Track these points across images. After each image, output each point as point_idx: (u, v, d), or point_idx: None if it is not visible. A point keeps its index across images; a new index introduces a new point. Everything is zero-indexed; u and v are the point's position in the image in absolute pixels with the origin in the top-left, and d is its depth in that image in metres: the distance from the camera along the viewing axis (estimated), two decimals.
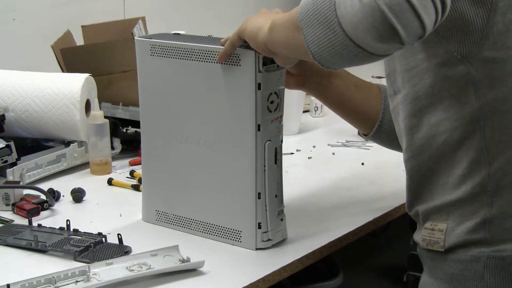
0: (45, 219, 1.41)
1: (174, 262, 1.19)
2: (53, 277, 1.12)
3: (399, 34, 0.90)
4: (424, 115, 1.09)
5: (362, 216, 1.42)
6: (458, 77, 1.03)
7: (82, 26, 2.06)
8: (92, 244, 1.24)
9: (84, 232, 1.31)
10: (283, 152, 1.28)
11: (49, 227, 1.34)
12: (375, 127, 1.39)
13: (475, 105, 1.04)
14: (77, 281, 1.13)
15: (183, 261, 1.19)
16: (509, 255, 1.04)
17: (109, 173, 1.67)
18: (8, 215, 1.43)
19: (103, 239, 1.28)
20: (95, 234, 1.29)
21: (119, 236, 1.27)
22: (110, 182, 1.61)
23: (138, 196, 1.54)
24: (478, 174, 1.05)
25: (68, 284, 1.13)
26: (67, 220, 1.33)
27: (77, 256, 1.22)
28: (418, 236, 1.15)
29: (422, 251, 1.15)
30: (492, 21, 1.00)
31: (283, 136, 1.28)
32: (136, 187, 1.57)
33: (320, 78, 1.36)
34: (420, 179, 1.14)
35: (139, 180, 1.60)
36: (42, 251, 1.25)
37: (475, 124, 1.04)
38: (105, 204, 1.50)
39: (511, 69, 1.02)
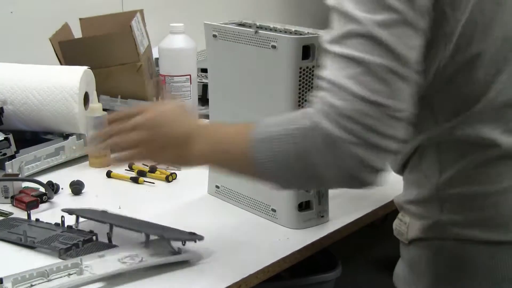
0: (44, 212, 1.41)
1: (166, 253, 1.19)
2: (46, 270, 1.12)
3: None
4: None
5: (361, 207, 1.43)
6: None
7: (80, 19, 2.06)
8: (80, 242, 1.23)
9: (77, 229, 1.30)
10: None
11: (46, 222, 1.33)
12: None
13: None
14: (69, 274, 1.13)
15: (175, 252, 1.19)
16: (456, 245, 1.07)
17: (107, 166, 1.67)
18: (7, 207, 1.43)
19: (94, 237, 1.26)
20: (87, 231, 1.28)
21: (109, 235, 1.26)
22: (109, 174, 1.61)
23: (137, 188, 1.55)
24: (432, 180, 1.07)
25: (61, 277, 1.12)
26: (62, 216, 1.33)
27: (62, 253, 1.20)
28: (394, 224, 1.18)
29: None
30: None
31: None
32: (135, 180, 1.57)
33: None
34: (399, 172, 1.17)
35: (138, 173, 1.60)
36: (31, 246, 1.25)
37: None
38: (104, 197, 1.50)
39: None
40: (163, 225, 1.28)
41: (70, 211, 1.33)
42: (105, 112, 1.67)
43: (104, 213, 1.34)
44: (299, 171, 0.95)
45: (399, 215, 1.16)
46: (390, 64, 0.90)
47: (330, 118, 0.90)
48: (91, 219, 1.30)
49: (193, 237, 1.21)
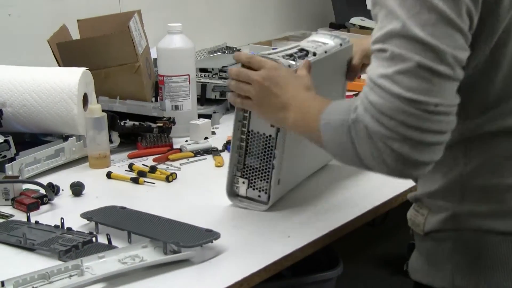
0: (45, 213, 1.41)
1: (167, 252, 1.19)
2: (47, 272, 1.12)
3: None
4: None
5: (361, 205, 1.42)
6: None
7: (78, 20, 2.06)
8: (79, 244, 1.23)
9: (76, 231, 1.30)
10: None
11: (46, 225, 1.33)
12: None
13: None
14: (70, 276, 1.13)
15: (175, 251, 1.19)
16: (475, 236, 1.09)
17: (107, 167, 1.67)
18: (8, 210, 1.42)
19: (93, 238, 1.26)
20: (86, 233, 1.28)
21: (108, 236, 1.26)
22: (109, 175, 1.61)
23: (137, 188, 1.55)
24: (456, 171, 1.09)
25: (62, 278, 1.13)
26: (61, 218, 1.33)
27: (61, 255, 1.20)
28: (409, 214, 1.19)
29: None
30: None
31: None
32: (135, 180, 1.57)
33: None
34: None
35: (138, 173, 1.60)
36: (30, 249, 1.25)
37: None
38: (104, 198, 1.50)
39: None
40: (180, 222, 1.28)
41: (88, 218, 1.33)
42: (104, 113, 1.67)
43: (123, 210, 1.35)
44: (349, 157, 1.03)
45: (415, 206, 1.17)
46: (427, 62, 0.94)
47: (370, 113, 0.98)
48: (109, 225, 1.29)
49: (210, 238, 1.21)
